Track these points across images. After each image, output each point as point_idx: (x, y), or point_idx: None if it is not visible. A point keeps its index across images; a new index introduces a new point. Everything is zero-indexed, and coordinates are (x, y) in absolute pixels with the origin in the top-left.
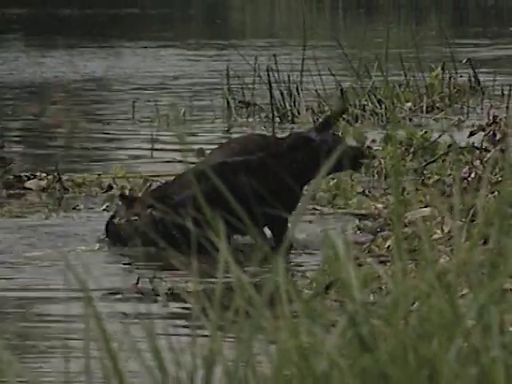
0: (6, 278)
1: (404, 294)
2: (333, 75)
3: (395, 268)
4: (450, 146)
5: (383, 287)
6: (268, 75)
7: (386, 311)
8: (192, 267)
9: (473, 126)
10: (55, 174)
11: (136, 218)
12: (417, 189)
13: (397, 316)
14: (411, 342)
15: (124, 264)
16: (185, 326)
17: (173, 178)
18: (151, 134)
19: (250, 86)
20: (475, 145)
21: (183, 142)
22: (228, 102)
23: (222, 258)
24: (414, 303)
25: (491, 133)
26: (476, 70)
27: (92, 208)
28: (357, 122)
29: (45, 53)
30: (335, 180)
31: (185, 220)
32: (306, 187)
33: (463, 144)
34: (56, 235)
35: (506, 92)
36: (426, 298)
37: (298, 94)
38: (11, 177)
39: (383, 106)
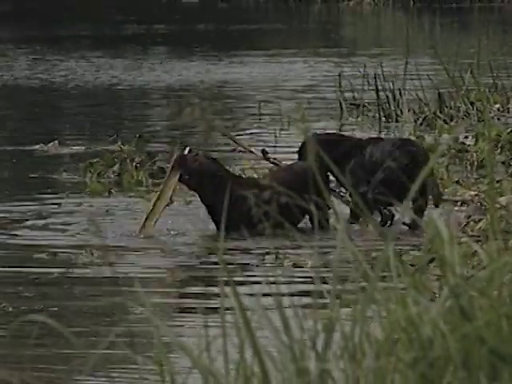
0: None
1: (498, 268)
2: (431, 80)
3: (490, 246)
4: None
5: (479, 263)
6: (375, 80)
7: (483, 284)
8: (313, 244)
9: None
10: None
11: (265, 202)
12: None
13: (492, 288)
14: (505, 310)
15: (252, 243)
16: (308, 296)
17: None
18: (275, 131)
19: (360, 89)
20: None
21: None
22: (340, 104)
23: (340, 237)
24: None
25: None
26: None
27: None
28: (452, 121)
29: (184, 62)
30: (433, 171)
31: (308, 204)
32: None
33: None
34: (196, 217)
35: None
36: None
37: (401, 96)
38: (156, 168)
39: (475, 108)
